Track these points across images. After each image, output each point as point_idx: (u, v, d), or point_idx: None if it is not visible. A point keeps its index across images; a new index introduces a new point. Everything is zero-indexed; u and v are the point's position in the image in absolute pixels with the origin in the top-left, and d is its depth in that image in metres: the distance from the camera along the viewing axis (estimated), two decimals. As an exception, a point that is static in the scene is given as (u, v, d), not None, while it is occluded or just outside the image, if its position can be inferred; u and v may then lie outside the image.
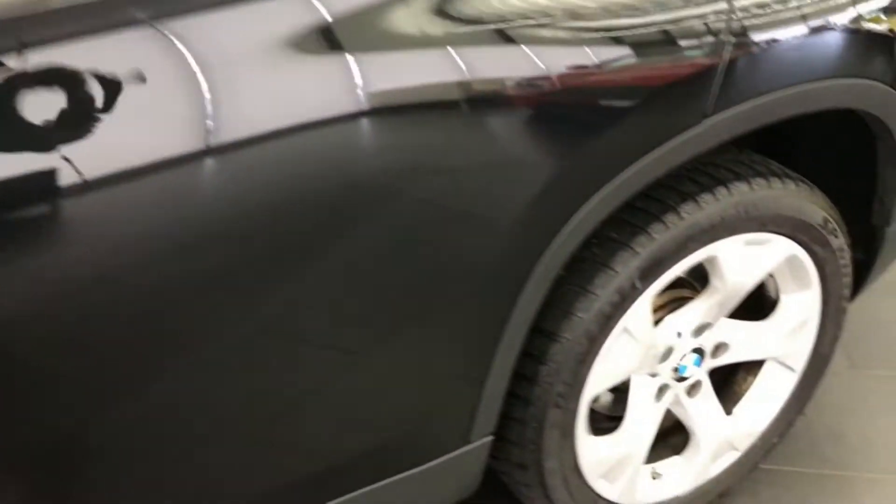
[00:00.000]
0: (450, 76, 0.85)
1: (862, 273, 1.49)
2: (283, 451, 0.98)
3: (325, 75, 0.79)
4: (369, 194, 0.85)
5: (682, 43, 0.95)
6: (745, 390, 1.48)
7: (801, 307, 1.38)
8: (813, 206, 1.25)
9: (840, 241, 1.32)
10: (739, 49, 0.99)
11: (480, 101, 0.88)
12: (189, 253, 0.77)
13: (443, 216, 0.90)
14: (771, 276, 1.36)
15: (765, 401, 1.47)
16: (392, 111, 0.84)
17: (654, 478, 1.43)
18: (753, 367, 1.48)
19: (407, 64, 0.84)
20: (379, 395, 1.00)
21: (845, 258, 1.35)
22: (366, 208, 0.85)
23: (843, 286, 1.39)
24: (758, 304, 1.41)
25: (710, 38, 0.96)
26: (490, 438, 1.12)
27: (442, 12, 0.85)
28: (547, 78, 0.89)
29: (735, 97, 1.02)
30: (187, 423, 0.88)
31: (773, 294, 1.40)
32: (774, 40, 1.04)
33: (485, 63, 0.87)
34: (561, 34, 0.90)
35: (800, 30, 1.06)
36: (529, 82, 0.89)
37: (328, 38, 0.79)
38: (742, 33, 1.00)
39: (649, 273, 1.14)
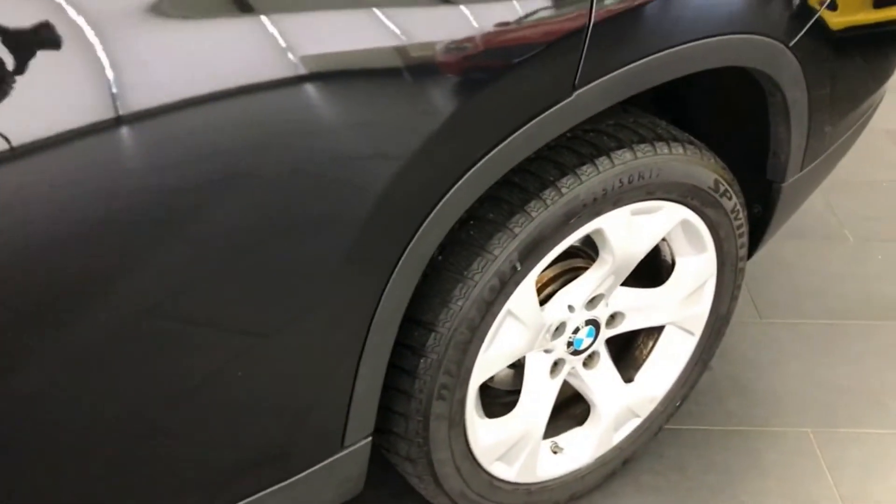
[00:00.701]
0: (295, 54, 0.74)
1: (761, 227, 1.46)
2: (149, 469, 0.89)
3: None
4: (220, 182, 0.75)
5: (539, 4, 0.85)
6: (646, 356, 1.44)
7: (697, 270, 1.33)
8: (703, 168, 1.19)
9: (733, 202, 1.27)
10: (608, 7, 0.90)
11: (329, 78, 0.77)
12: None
13: (296, 202, 0.80)
14: (665, 240, 1.31)
15: (665, 366, 1.44)
16: (237, 94, 0.73)
17: (554, 452, 1.39)
18: (653, 332, 1.43)
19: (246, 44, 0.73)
20: (236, 405, 0.91)
21: (740, 219, 1.30)
22: (215, 200, 0.75)
23: (739, 247, 1.35)
24: (654, 269, 1.37)
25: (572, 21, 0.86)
26: (368, 440, 1.05)
27: None
28: (400, 51, 0.79)
29: (608, 64, 0.93)
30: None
31: (668, 258, 1.35)
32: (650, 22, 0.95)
33: (331, 38, 0.76)
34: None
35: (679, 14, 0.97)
36: (379, 55, 0.79)
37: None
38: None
39: (530, 254, 1.06)
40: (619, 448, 1.44)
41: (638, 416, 1.44)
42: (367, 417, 1.02)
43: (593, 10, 0.87)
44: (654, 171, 1.12)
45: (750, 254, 1.50)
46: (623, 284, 1.29)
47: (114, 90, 0.67)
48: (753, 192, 1.38)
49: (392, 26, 0.79)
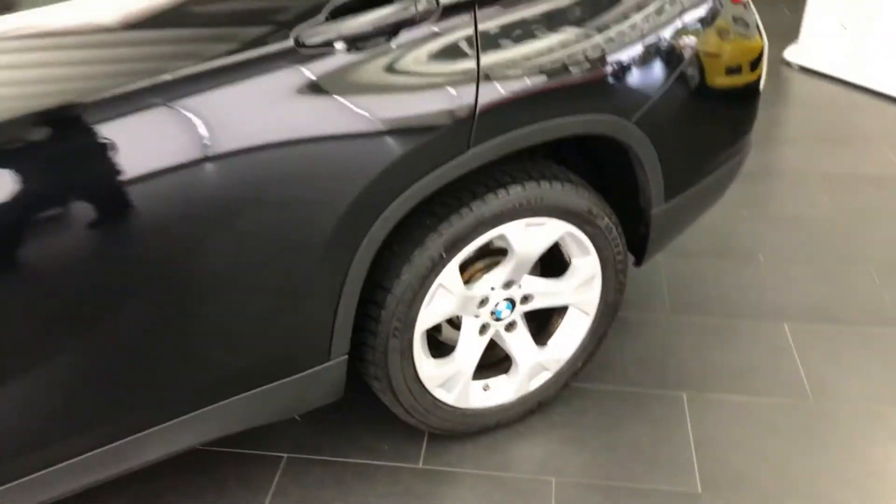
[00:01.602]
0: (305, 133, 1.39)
1: (645, 242, 2.04)
2: (211, 360, 1.54)
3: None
4: (263, 198, 1.40)
5: (442, 96, 1.48)
6: (556, 328, 2.04)
7: (585, 267, 1.93)
8: (577, 199, 1.79)
9: (605, 222, 1.87)
10: (489, 100, 1.52)
11: (329, 140, 1.42)
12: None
13: (299, 206, 1.44)
14: (562, 244, 1.91)
15: (569, 336, 2.04)
16: (270, 148, 1.38)
17: (485, 390, 2.00)
18: (562, 311, 2.03)
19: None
20: (268, 322, 1.55)
21: (613, 234, 1.90)
22: (255, 206, 1.41)
23: (616, 254, 1.94)
24: (561, 264, 1.97)
25: (463, 92, 1.49)
26: (345, 358, 1.69)
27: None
28: (365, 125, 1.43)
29: (491, 133, 1.55)
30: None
31: (567, 258, 1.95)
32: (520, 90, 1.55)
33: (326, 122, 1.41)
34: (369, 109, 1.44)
35: (542, 81, 1.57)
36: (351, 127, 1.43)
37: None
38: (490, 88, 1.51)
39: (452, 247, 1.69)
40: (534, 393, 2.05)
41: (548, 370, 2.04)
42: (343, 341, 1.66)
43: (477, 105, 1.50)
44: (538, 199, 1.73)
45: (642, 260, 2.09)
46: (541, 276, 1.91)
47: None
48: (636, 215, 1.98)
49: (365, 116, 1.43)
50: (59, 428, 1.44)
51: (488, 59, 1.51)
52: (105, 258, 1.33)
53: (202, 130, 1.31)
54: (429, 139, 1.49)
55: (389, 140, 1.46)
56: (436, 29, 1.46)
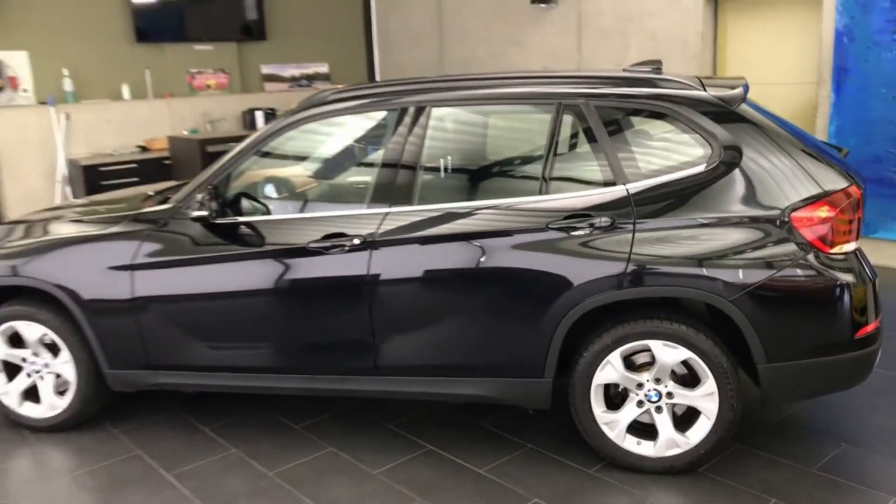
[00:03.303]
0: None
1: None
2: (490, 354, 3.46)
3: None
4: (519, 286, 3.33)
5: (609, 261, 3.19)
6: (694, 422, 3.34)
7: (706, 385, 3.25)
8: (696, 338, 3.19)
9: (718, 361, 3.19)
10: (633, 268, 3.15)
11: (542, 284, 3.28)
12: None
13: (529, 296, 3.30)
14: (692, 364, 3.27)
15: (697, 431, 3.31)
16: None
17: (638, 444, 3.40)
18: (699, 413, 3.33)
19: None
20: (515, 344, 3.39)
21: (724, 367, 3.19)
22: (515, 291, 3.34)
23: (727, 383, 3.20)
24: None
25: (620, 263, 3.17)
26: (551, 380, 3.39)
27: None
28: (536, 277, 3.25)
29: (635, 284, 3.17)
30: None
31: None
32: (650, 268, 3.14)
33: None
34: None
35: (667, 267, 3.13)
36: (537, 284, 3.26)
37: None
38: (635, 263, 3.15)
39: (616, 342, 3.28)
40: (668, 459, 3.36)
41: (679, 448, 3.34)
42: (551, 370, 3.36)
43: (626, 269, 3.17)
44: (669, 330, 3.21)
45: (762, 403, 3.26)
46: (681, 384, 3.32)
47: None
48: (752, 365, 3.22)
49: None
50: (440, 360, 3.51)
51: (637, 250, 3.18)
52: (474, 298, 3.41)
53: (508, 254, 3.33)
54: (597, 279, 3.21)
55: (577, 276, 3.24)
56: (611, 231, 3.21)
